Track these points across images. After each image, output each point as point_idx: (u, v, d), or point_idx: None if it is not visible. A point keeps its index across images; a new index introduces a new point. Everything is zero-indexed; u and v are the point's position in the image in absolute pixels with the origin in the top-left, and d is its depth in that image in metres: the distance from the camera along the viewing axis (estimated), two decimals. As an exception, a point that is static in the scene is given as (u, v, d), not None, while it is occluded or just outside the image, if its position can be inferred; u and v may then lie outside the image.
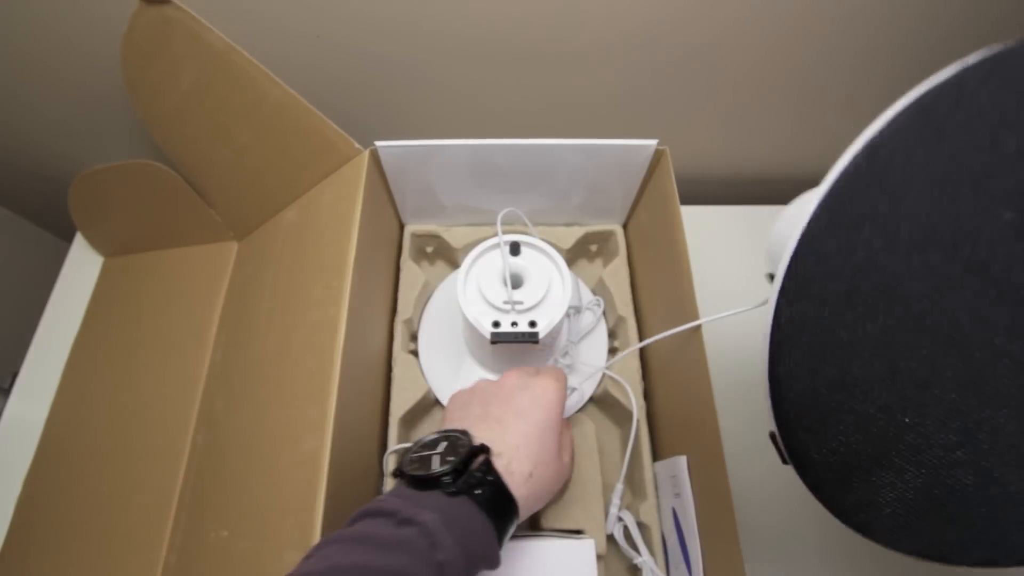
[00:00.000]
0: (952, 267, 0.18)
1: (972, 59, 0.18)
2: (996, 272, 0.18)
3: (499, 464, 0.32)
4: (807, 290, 0.22)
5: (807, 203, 0.23)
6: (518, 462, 0.33)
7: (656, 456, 0.44)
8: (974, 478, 0.22)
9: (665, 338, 0.39)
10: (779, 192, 0.65)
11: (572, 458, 0.40)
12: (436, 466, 0.31)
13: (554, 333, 0.41)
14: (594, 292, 0.53)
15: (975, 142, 0.18)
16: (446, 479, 0.31)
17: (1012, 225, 0.17)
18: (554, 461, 0.35)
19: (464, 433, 0.34)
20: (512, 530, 0.32)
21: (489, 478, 0.31)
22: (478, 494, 0.30)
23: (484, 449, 0.33)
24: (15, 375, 0.54)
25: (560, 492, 0.41)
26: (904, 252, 0.19)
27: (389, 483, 0.43)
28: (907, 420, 0.22)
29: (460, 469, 0.31)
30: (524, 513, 0.33)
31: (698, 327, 0.37)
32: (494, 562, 0.30)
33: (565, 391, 0.38)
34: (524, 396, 0.36)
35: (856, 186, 0.20)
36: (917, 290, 0.19)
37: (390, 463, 0.44)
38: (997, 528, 0.22)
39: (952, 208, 0.18)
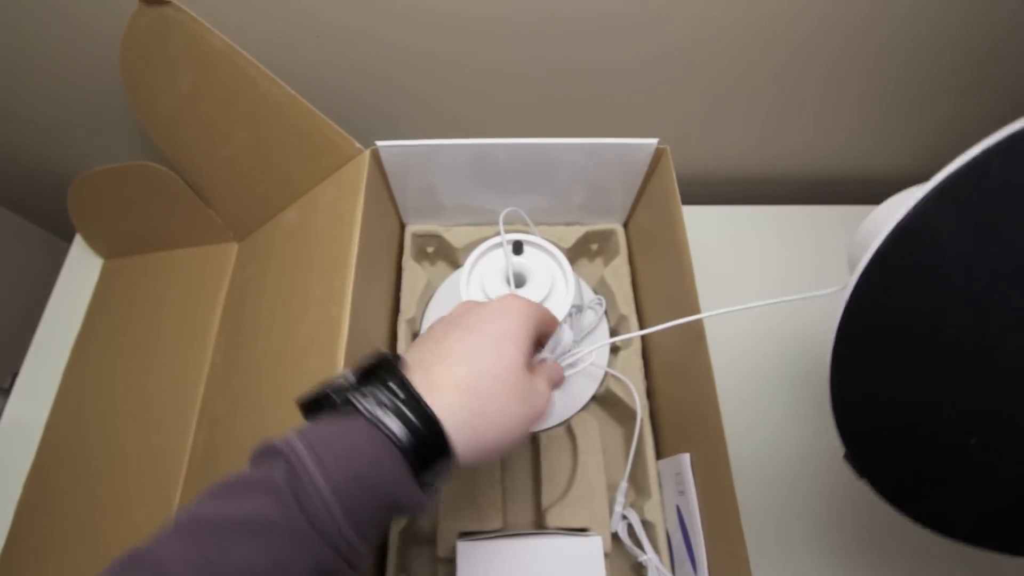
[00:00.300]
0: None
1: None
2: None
3: (416, 376, 0.25)
4: (862, 340, 0.24)
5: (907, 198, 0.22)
6: (447, 374, 0.25)
7: (660, 454, 0.44)
8: None
9: (668, 336, 0.39)
10: (780, 192, 0.65)
11: (552, 386, 0.30)
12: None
13: (557, 332, 0.41)
14: (595, 291, 0.53)
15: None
16: (335, 395, 0.24)
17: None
18: (515, 381, 0.26)
19: (394, 355, 0.26)
20: (447, 474, 0.24)
21: (398, 392, 0.24)
22: (378, 414, 0.23)
23: (394, 358, 0.26)
24: (15, 375, 0.54)
25: (526, 437, 0.34)
26: (961, 304, 0.21)
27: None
28: (974, 441, 0.23)
29: (353, 384, 0.24)
30: (470, 449, 0.24)
31: (701, 325, 0.37)
32: (413, 507, 0.23)
33: (530, 310, 0.29)
34: (477, 311, 0.28)
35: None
36: (975, 335, 0.21)
37: None
38: None
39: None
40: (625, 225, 0.53)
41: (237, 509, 0.20)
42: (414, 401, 0.23)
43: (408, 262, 0.51)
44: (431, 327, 0.29)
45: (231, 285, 0.51)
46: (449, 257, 0.54)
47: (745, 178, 0.64)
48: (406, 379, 0.24)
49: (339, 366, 0.35)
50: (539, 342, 0.32)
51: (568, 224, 0.53)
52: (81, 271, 0.58)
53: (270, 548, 0.19)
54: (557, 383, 0.32)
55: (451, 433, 0.24)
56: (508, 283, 0.41)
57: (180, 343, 0.50)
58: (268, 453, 0.22)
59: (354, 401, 0.23)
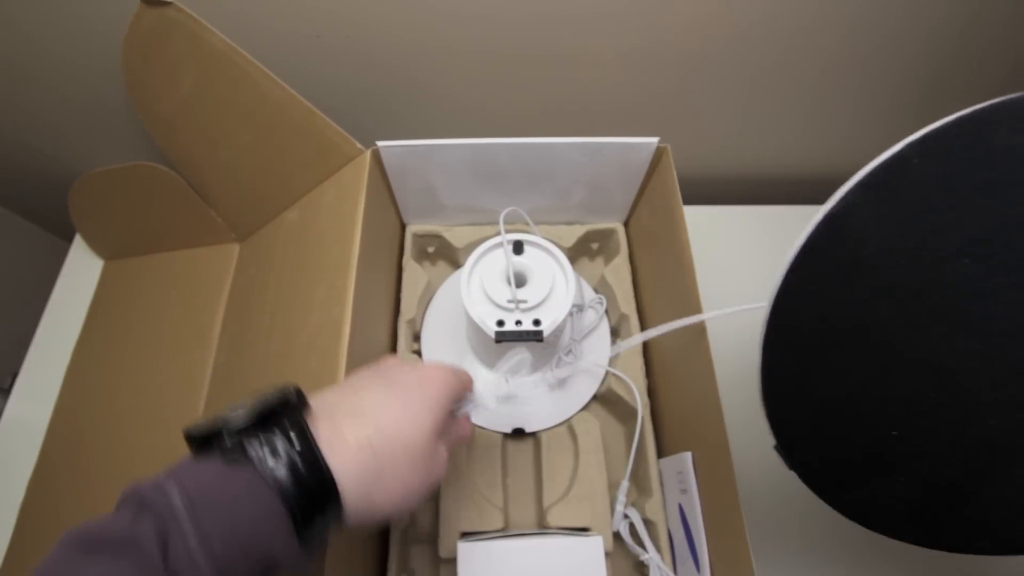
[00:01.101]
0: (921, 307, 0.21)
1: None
2: (961, 310, 0.20)
3: (321, 426, 0.23)
4: (790, 331, 0.25)
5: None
6: (354, 430, 0.23)
7: (661, 453, 0.45)
8: (966, 479, 0.23)
9: (669, 335, 0.39)
10: (780, 192, 0.65)
11: (446, 463, 0.28)
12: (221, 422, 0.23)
13: (558, 331, 0.41)
14: (596, 290, 0.53)
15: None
16: (228, 437, 0.22)
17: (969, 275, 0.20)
18: (421, 450, 0.25)
19: (297, 392, 0.24)
20: (330, 528, 0.23)
21: (295, 442, 0.22)
22: (270, 464, 0.21)
23: (297, 399, 0.24)
24: (15, 375, 0.54)
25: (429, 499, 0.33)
26: (883, 297, 0.22)
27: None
28: (895, 433, 0.23)
29: (251, 425, 0.22)
30: (360, 512, 0.23)
31: (701, 323, 0.37)
32: (291, 565, 0.21)
33: (454, 381, 0.29)
34: (403, 370, 0.28)
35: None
36: (896, 329, 0.22)
37: None
38: (993, 522, 0.24)
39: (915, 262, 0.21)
40: (626, 224, 0.54)
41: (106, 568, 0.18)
42: (311, 455, 0.22)
43: (408, 262, 0.51)
44: (354, 374, 0.29)
45: (233, 286, 0.51)
46: (450, 257, 0.54)
47: (745, 178, 0.64)
48: (307, 429, 0.22)
49: (341, 366, 0.35)
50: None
51: (569, 223, 0.53)
52: (81, 271, 0.58)
53: None
54: (462, 441, 0.32)
55: (344, 494, 0.22)
56: (509, 283, 0.41)
57: (182, 344, 0.50)
58: (138, 502, 0.19)
59: (246, 446, 0.21)
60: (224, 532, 0.19)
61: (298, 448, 0.22)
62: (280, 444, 0.21)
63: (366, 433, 0.24)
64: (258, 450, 0.21)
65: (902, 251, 0.21)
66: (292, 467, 0.21)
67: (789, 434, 0.27)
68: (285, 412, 0.23)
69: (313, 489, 0.21)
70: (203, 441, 0.22)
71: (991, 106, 0.19)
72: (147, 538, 0.18)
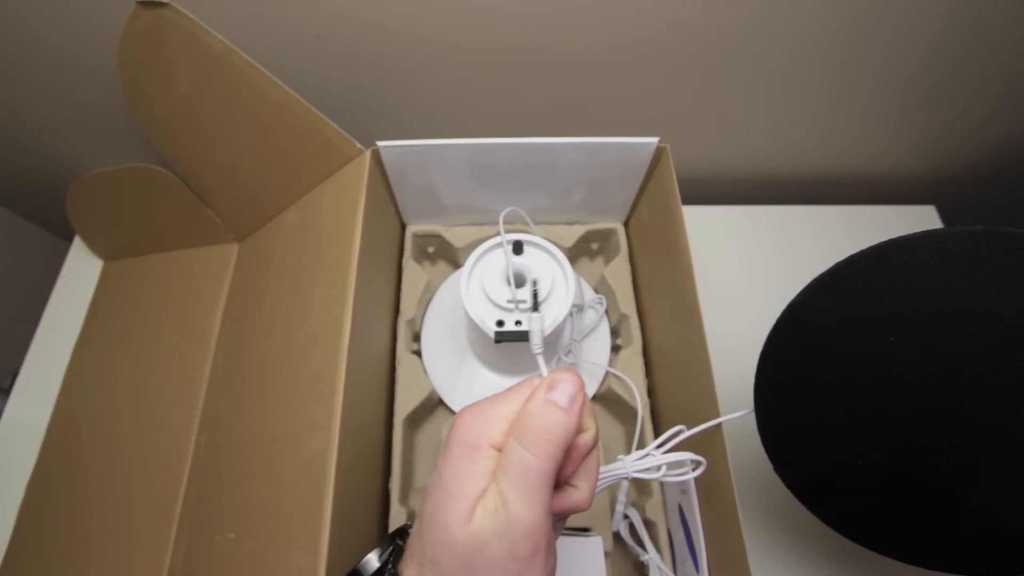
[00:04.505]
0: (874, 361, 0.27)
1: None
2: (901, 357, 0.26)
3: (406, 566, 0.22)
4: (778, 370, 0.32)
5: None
6: (410, 564, 0.21)
7: (660, 453, 0.45)
8: (936, 502, 0.27)
9: (669, 335, 0.39)
10: (780, 192, 0.65)
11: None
12: None
13: (558, 331, 0.41)
14: (596, 290, 0.53)
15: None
16: None
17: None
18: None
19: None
20: None
21: None
22: None
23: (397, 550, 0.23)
24: (15, 375, 0.54)
25: None
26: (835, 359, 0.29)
27: (395, 484, 0.43)
28: (859, 463, 0.28)
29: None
30: None
31: (700, 323, 0.37)
32: None
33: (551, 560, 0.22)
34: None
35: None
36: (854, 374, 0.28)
37: (394, 489, 0.43)
38: (968, 543, 0.27)
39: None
40: (626, 224, 0.54)
41: None
42: None
43: (408, 263, 0.51)
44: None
45: (232, 286, 0.51)
46: (450, 257, 0.54)
47: (745, 178, 0.64)
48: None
49: (341, 366, 0.35)
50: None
51: (568, 223, 0.53)
52: (81, 272, 0.58)
53: None
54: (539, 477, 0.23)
55: None
56: (509, 283, 0.41)
57: (181, 344, 0.50)
58: None
59: None
60: None
61: None
62: None
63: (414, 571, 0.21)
64: None
65: (844, 326, 0.28)
66: None
67: (776, 451, 0.33)
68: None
69: None
70: None
71: (889, 241, 0.27)
72: None
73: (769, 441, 0.33)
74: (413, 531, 0.22)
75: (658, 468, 0.31)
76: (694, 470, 0.32)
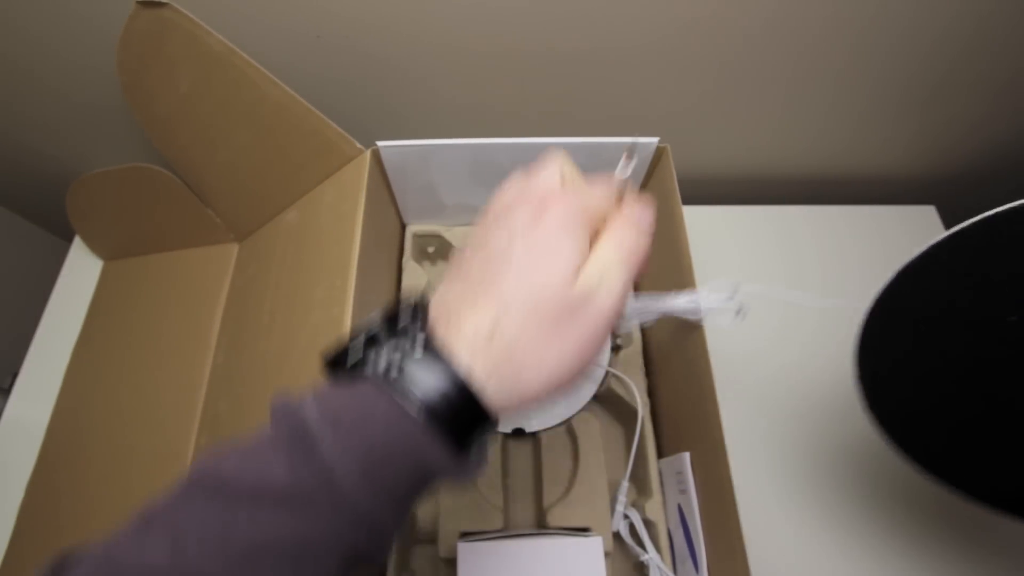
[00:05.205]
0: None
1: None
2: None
3: (439, 328, 0.21)
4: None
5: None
6: (468, 319, 0.21)
7: (661, 453, 0.45)
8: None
9: (669, 335, 0.39)
10: (780, 192, 0.65)
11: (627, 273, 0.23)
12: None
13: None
14: (596, 290, 0.53)
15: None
16: (352, 354, 0.22)
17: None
18: (553, 309, 0.21)
19: (419, 302, 0.23)
20: (487, 432, 0.21)
21: (416, 350, 0.21)
22: (392, 378, 0.20)
23: (418, 307, 0.23)
24: (15, 375, 0.54)
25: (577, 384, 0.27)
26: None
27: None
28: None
29: (372, 337, 0.22)
30: (507, 400, 0.21)
31: (699, 323, 0.37)
32: (448, 473, 0.21)
33: (581, 198, 0.23)
34: (504, 223, 0.23)
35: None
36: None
37: None
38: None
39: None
40: (625, 224, 0.53)
41: (257, 476, 0.19)
42: (434, 359, 0.20)
43: (408, 263, 0.51)
44: (459, 254, 0.25)
45: (232, 286, 0.51)
46: (450, 257, 0.54)
47: (745, 178, 0.64)
48: (426, 332, 0.21)
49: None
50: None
51: (568, 223, 0.53)
52: (81, 272, 0.58)
53: (291, 522, 0.18)
54: (634, 265, 0.23)
55: (480, 388, 0.20)
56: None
57: (181, 344, 0.50)
58: (284, 418, 0.20)
59: (368, 363, 0.21)
60: (364, 445, 0.19)
61: (418, 356, 0.21)
62: (400, 355, 0.21)
63: (482, 318, 0.21)
64: (380, 363, 0.21)
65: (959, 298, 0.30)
66: (417, 374, 0.20)
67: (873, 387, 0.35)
68: (404, 319, 0.22)
69: (444, 391, 0.20)
70: (334, 362, 0.22)
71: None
72: (298, 452, 0.19)
73: (869, 371, 0.34)
74: (455, 297, 0.22)
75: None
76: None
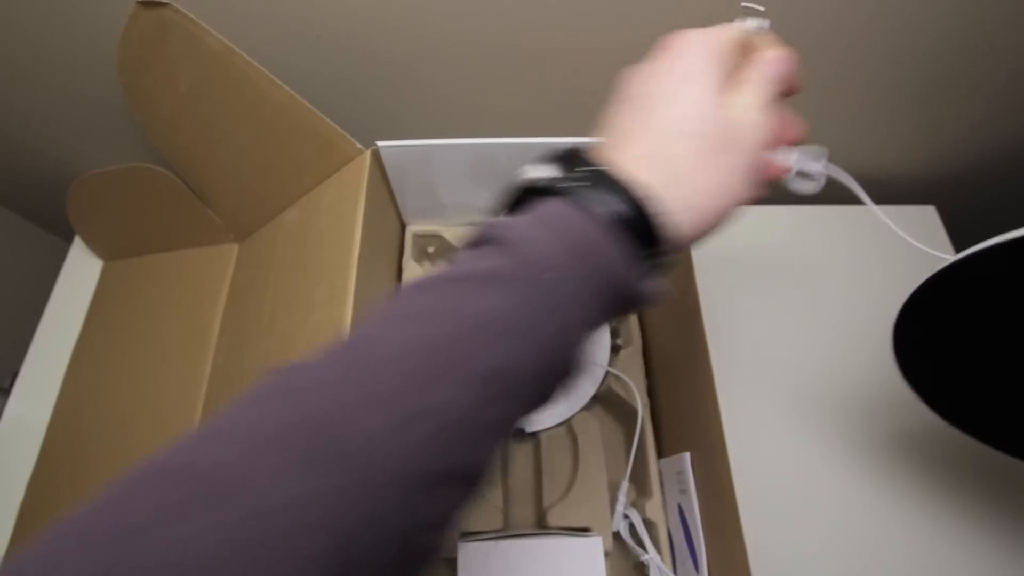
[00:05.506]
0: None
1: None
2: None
3: (604, 153, 0.23)
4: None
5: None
6: (628, 150, 0.23)
7: (661, 453, 0.45)
8: None
9: (669, 335, 0.39)
10: (781, 192, 0.65)
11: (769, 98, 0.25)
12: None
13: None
14: (596, 290, 0.53)
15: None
16: (536, 188, 0.23)
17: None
18: (706, 129, 0.23)
19: (573, 147, 0.25)
20: (668, 252, 0.22)
21: (590, 175, 0.22)
22: (572, 186, 0.21)
23: (575, 149, 0.24)
24: (15, 375, 0.54)
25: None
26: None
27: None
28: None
29: (550, 176, 0.23)
30: (685, 219, 0.22)
31: (700, 323, 0.37)
32: (640, 288, 0.21)
33: (716, 35, 0.26)
34: (640, 75, 0.26)
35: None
36: None
37: None
38: None
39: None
40: (625, 224, 0.53)
41: (489, 265, 0.20)
42: (608, 179, 0.22)
43: (408, 263, 0.51)
44: (609, 109, 0.26)
45: (232, 286, 0.51)
46: (449, 257, 0.54)
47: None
48: (594, 161, 0.23)
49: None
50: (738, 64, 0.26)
51: (568, 223, 0.53)
52: (81, 272, 0.58)
53: (512, 298, 0.19)
54: (785, 88, 0.26)
55: (656, 207, 0.21)
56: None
57: (181, 344, 0.50)
58: (491, 234, 0.21)
59: (557, 187, 0.22)
60: (576, 242, 0.20)
61: (592, 180, 0.22)
62: (582, 181, 0.22)
63: (641, 147, 0.23)
64: (565, 185, 0.22)
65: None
66: (599, 193, 0.21)
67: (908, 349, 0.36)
68: (568, 159, 0.24)
69: (626, 207, 0.21)
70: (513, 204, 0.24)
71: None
72: (520, 249, 0.20)
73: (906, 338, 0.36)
74: (614, 138, 0.24)
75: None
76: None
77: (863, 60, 0.49)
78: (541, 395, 0.21)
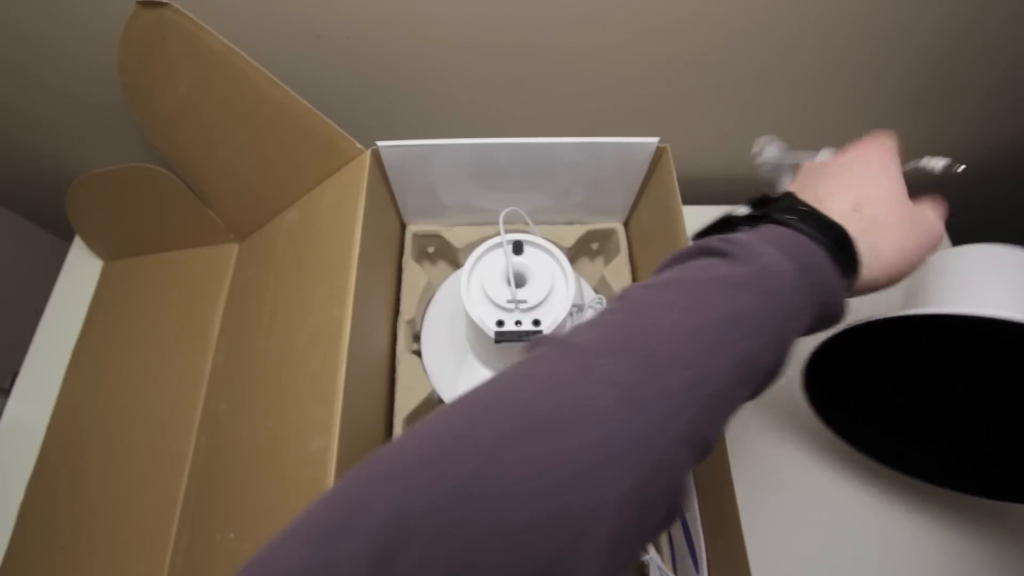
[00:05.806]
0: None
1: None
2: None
3: (805, 197, 0.27)
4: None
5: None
6: (834, 203, 0.27)
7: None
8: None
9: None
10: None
11: (936, 225, 0.30)
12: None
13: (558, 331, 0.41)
14: (596, 290, 0.53)
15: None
16: (742, 214, 0.27)
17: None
18: (901, 203, 0.28)
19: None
20: (855, 280, 0.26)
21: (797, 213, 0.26)
22: (790, 218, 0.26)
23: (781, 195, 0.28)
24: (15, 375, 0.54)
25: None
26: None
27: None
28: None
29: (755, 206, 0.28)
30: (870, 263, 0.26)
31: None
32: (838, 307, 0.26)
33: (891, 144, 0.30)
34: (840, 159, 0.30)
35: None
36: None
37: None
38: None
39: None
40: (626, 224, 0.53)
41: (727, 271, 0.23)
42: (820, 218, 0.26)
43: (408, 263, 0.51)
44: (799, 181, 0.30)
45: (232, 286, 0.51)
46: (450, 257, 0.54)
47: (745, 178, 0.64)
48: (802, 203, 0.27)
49: (341, 366, 0.35)
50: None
51: (569, 223, 0.53)
52: (81, 272, 0.57)
53: (753, 300, 0.23)
54: (943, 213, 0.31)
55: (855, 247, 0.26)
56: (509, 283, 0.41)
57: (182, 344, 0.50)
58: (718, 247, 0.25)
59: (774, 216, 0.26)
60: (796, 262, 0.24)
61: (800, 217, 0.26)
62: (788, 214, 0.26)
63: (847, 200, 0.27)
64: (780, 216, 0.26)
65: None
66: (810, 225, 0.25)
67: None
68: (772, 202, 0.28)
69: (832, 238, 0.25)
70: (713, 229, 0.30)
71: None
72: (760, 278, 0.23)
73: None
74: (813, 191, 0.28)
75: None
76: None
77: (863, 60, 0.49)
78: (760, 387, 0.24)
